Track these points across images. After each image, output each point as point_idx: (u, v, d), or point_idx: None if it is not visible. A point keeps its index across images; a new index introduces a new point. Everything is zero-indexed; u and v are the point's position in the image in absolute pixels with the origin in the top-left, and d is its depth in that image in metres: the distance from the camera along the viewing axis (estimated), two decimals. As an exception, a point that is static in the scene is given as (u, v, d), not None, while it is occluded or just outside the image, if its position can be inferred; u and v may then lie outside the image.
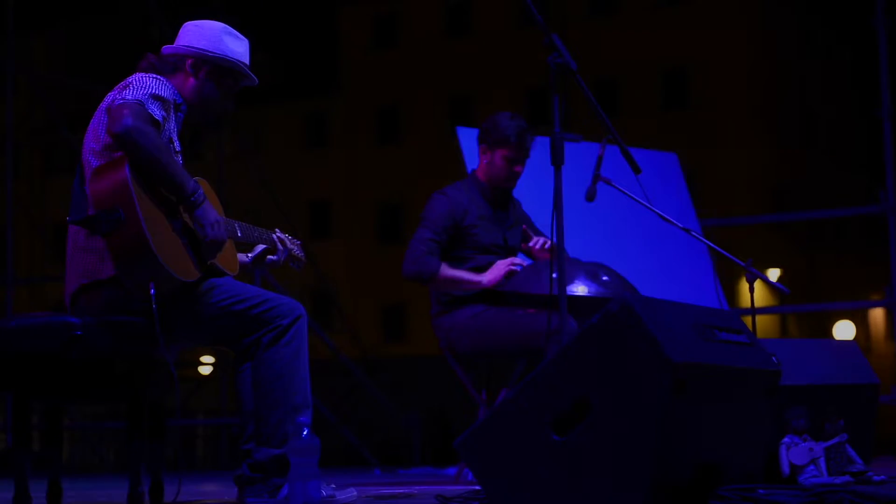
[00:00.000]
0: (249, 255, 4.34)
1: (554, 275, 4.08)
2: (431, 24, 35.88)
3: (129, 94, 3.76)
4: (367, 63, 36.39)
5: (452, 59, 35.07)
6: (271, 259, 4.37)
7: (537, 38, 4.08)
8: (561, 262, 3.85)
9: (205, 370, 22.71)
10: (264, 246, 4.34)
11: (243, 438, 4.07)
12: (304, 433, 3.36)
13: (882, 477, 4.30)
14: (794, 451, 4.15)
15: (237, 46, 4.11)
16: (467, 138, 7.24)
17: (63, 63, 32.31)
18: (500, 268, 5.35)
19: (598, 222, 7.08)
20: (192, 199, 3.79)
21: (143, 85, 3.83)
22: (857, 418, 4.48)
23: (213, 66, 4.07)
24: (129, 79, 3.92)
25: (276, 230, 4.42)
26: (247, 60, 4.12)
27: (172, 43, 4.13)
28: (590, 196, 4.86)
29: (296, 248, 4.47)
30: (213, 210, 3.85)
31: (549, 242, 5.45)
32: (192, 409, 19.32)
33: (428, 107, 35.25)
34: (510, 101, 32.73)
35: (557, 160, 3.87)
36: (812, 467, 4.14)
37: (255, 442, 4.00)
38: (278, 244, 4.36)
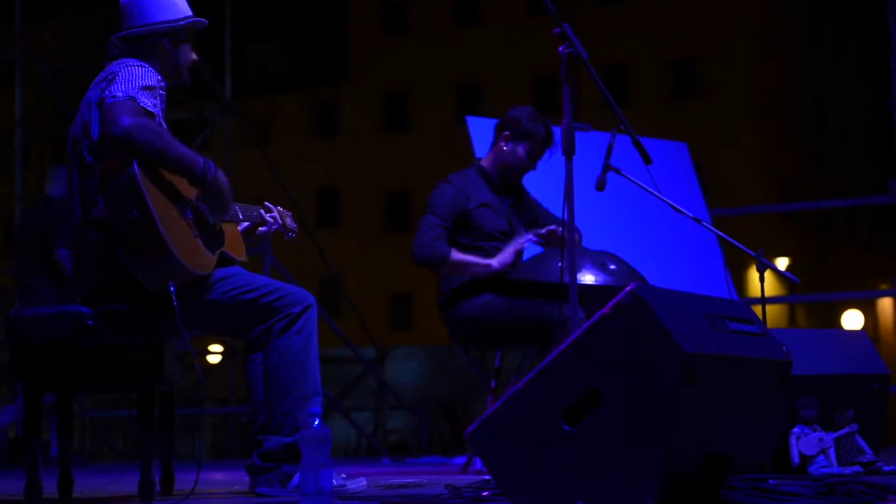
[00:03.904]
0: (238, 228, 4.33)
1: (563, 264, 4.08)
2: (440, 12, 35.86)
3: (118, 91, 3.72)
4: (376, 51, 36.40)
5: (461, 47, 35.06)
6: (262, 231, 4.37)
7: (546, 27, 4.08)
8: (571, 251, 3.85)
9: (213, 359, 22.74)
10: (249, 223, 4.34)
11: (255, 428, 4.07)
12: (315, 423, 3.36)
13: (892, 467, 4.30)
14: (804, 442, 4.15)
15: (182, 2, 4.11)
16: (476, 127, 7.24)
17: (72, 52, 32.33)
18: (508, 251, 5.36)
19: (608, 212, 7.08)
20: (207, 179, 3.77)
21: (131, 77, 3.78)
22: (868, 408, 4.47)
23: (186, 32, 4.07)
24: (113, 68, 3.86)
25: (266, 203, 4.42)
26: (191, 9, 4.12)
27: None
28: (600, 185, 4.86)
29: (288, 219, 4.47)
30: (225, 178, 3.84)
31: (557, 230, 5.46)
32: (199, 398, 19.35)
33: (436, 95, 35.25)
34: (518, 89, 32.74)
35: (569, 150, 3.86)
36: (822, 458, 4.14)
37: (266, 431, 4.01)
38: (266, 217, 4.36)
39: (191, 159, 3.75)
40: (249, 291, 3.95)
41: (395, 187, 35.73)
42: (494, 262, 5.36)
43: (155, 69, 3.95)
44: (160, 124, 3.90)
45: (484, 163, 5.67)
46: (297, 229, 4.49)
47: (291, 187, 15.50)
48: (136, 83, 3.76)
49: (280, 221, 4.40)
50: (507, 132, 5.59)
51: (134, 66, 3.85)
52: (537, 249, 5.58)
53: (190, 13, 4.09)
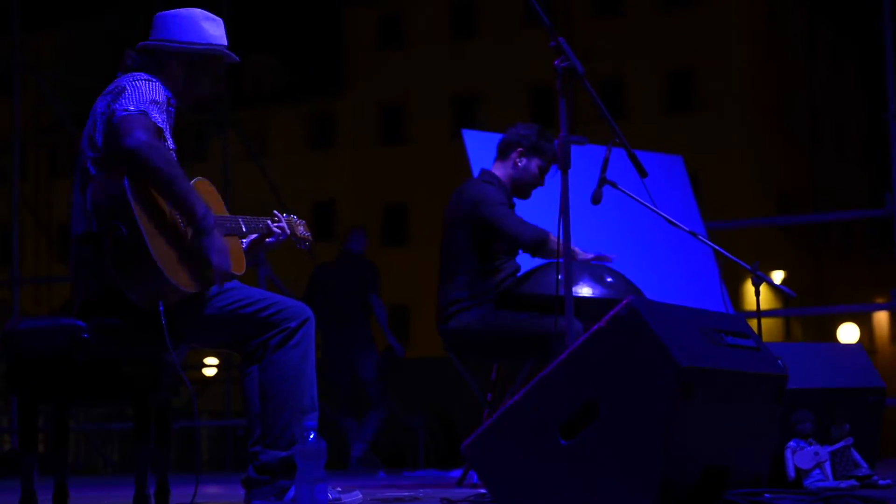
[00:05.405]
0: (244, 241, 4.29)
1: (559, 276, 4.08)
2: (436, 24, 35.91)
3: (130, 105, 3.70)
4: (372, 64, 36.43)
5: (457, 59, 35.09)
6: (270, 242, 4.34)
7: (541, 39, 4.09)
8: (567, 265, 3.85)
9: (209, 372, 22.70)
10: (256, 235, 4.31)
11: (251, 441, 4.06)
12: (311, 437, 3.36)
13: (888, 481, 4.30)
14: (800, 455, 4.15)
15: (216, 30, 4.04)
16: (473, 140, 7.25)
17: (69, 63, 32.35)
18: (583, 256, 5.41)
19: (604, 225, 7.08)
20: (202, 225, 3.75)
21: (139, 91, 3.76)
22: (863, 422, 4.47)
23: (200, 57, 4.02)
24: (121, 82, 3.85)
25: (275, 212, 4.39)
26: (225, 41, 4.06)
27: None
28: (596, 199, 4.86)
29: (301, 227, 4.44)
30: (219, 238, 3.78)
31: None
32: (195, 411, 19.33)
33: (433, 107, 35.28)
34: (514, 102, 32.77)
35: (564, 164, 3.87)
36: (818, 471, 4.14)
37: (261, 444, 4.00)
38: (273, 227, 4.33)
39: (192, 201, 3.71)
40: (247, 306, 3.94)
41: (391, 200, 35.73)
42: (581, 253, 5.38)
43: (166, 86, 3.94)
44: (166, 139, 3.90)
45: (498, 173, 5.68)
46: (311, 238, 4.47)
47: (288, 200, 15.47)
48: (146, 97, 3.75)
49: (289, 231, 4.37)
50: (520, 148, 5.63)
51: (141, 80, 3.83)
52: None
53: (216, 42, 4.02)
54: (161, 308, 3.67)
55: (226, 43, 4.07)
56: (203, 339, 3.98)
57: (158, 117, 3.75)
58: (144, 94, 3.76)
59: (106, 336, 3.76)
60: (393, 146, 36.30)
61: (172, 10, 4.05)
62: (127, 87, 3.79)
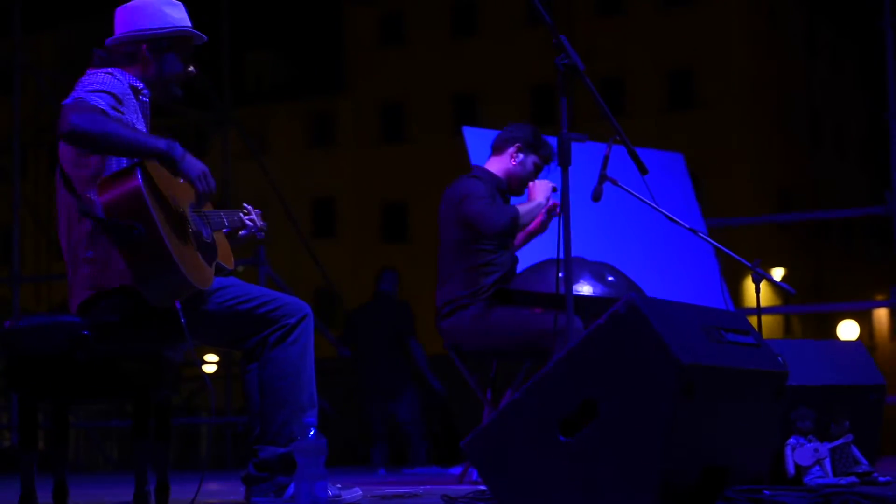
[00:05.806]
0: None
1: (560, 274, 4.08)
2: (437, 23, 35.89)
3: (70, 97, 3.66)
4: (373, 62, 36.42)
5: (458, 57, 35.08)
6: (243, 234, 4.34)
7: (542, 38, 4.10)
8: (567, 262, 3.85)
9: (209, 369, 22.68)
10: (229, 228, 4.31)
11: (251, 438, 4.06)
12: (311, 433, 3.36)
13: (887, 478, 4.30)
14: (800, 452, 4.15)
15: (178, 13, 4.02)
16: (473, 138, 7.25)
17: (69, 63, 32.34)
18: (541, 188, 5.48)
19: (604, 222, 7.09)
20: (172, 155, 3.66)
21: (85, 84, 3.74)
22: (863, 419, 4.47)
23: (168, 41, 3.98)
24: (82, 78, 3.83)
25: (245, 205, 4.39)
26: (189, 23, 4.04)
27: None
28: (596, 196, 4.87)
29: (258, 218, 4.44)
30: (196, 161, 3.73)
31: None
32: (196, 408, 19.33)
33: (433, 105, 35.27)
34: (515, 99, 32.76)
35: (565, 161, 3.87)
36: (817, 468, 4.14)
37: (261, 441, 4.00)
38: (245, 220, 4.33)
39: (148, 140, 3.62)
40: (245, 302, 3.93)
41: (391, 198, 35.73)
42: (541, 199, 5.46)
43: (135, 76, 3.92)
44: (134, 126, 3.82)
45: (492, 169, 5.69)
46: (266, 227, 4.44)
47: (288, 197, 15.48)
48: (90, 87, 3.70)
49: (259, 223, 4.37)
50: (518, 143, 5.65)
51: (98, 73, 3.80)
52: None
53: (181, 24, 4.01)
54: (178, 306, 3.67)
55: (190, 24, 4.05)
56: (203, 337, 3.97)
57: (101, 101, 3.66)
58: (91, 84, 3.72)
59: (105, 334, 3.76)
60: (393, 144, 36.29)
61: (131, 3, 4.03)
62: (80, 82, 3.78)
